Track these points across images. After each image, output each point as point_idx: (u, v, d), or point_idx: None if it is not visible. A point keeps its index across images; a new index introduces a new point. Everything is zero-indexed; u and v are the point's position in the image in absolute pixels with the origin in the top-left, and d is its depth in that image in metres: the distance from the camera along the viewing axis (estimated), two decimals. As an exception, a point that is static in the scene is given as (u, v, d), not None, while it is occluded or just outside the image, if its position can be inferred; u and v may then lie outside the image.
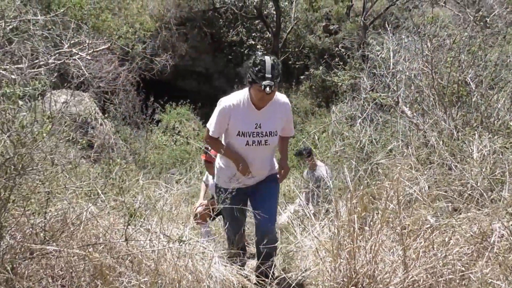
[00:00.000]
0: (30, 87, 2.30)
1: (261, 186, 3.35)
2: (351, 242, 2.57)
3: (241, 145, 3.13)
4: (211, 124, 3.15)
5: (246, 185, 3.29)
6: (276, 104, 3.13)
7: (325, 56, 12.68)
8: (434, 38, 4.04)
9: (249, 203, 3.49)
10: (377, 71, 4.78)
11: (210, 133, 3.16)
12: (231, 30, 15.18)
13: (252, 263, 3.87)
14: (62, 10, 6.63)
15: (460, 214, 2.74)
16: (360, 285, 2.52)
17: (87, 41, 6.47)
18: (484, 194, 2.74)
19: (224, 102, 3.11)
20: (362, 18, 13.25)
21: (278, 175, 3.34)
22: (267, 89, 2.83)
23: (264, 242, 3.09)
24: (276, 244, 3.27)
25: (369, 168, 3.29)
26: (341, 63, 6.66)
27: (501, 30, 4.29)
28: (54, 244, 2.25)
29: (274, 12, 14.21)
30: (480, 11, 4.03)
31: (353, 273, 2.56)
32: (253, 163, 3.17)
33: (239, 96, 3.11)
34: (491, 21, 4.41)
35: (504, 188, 2.77)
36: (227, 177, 3.27)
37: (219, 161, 3.40)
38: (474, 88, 3.69)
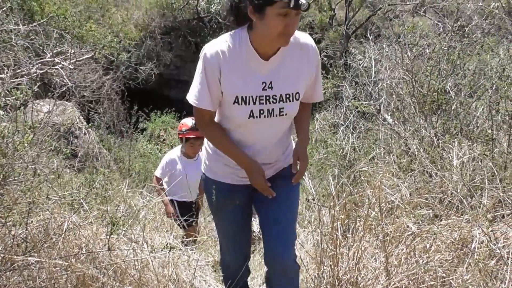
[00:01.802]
0: (12, 97, 2.29)
1: (274, 185, 2.14)
2: (334, 249, 2.59)
3: (241, 118, 1.98)
4: (195, 91, 1.94)
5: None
6: (294, 49, 1.96)
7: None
8: (414, 47, 4.12)
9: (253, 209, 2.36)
10: (359, 79, 4.84)
11: (199, 106, 1.95)
12: (215, 39, 15.21)
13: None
14: (44, 20, 6.59)
15: (441, 221, 2.78)
16: (343, 292, 2.54)
17: (70, 51, 6.43)
18: (464, 201, 2.79)
19: (209, 49, 1.91)
20: (345, 27, 13.42)
21: (292, 170, 2.14)
22: (303, 1, 1.71)
23: (281, 280, 2.17)
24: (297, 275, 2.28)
25: (352, 176, 3.32)
26: (323, 71, 6.73)
27: (479, 40, 4.40)
28: (36, 255, 2.22)
29: (259, 22, 14.28)
30: (458, 21, 4.14)
31: (336, 280, 2.58)
32: (261, 147, 2.08)
33: (231, 40, 1.92)
34: (469, 30, 4.53)
35: (483, 194, 2.82)
36: (223, 164, 2.17)
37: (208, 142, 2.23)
38: (453, 96, 3.77)
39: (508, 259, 2.22)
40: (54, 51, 6.31)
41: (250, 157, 2.06)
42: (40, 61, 5.91)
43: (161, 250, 2.49)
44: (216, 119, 2.11)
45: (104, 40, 9.11)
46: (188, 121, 4.06)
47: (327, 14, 15.27)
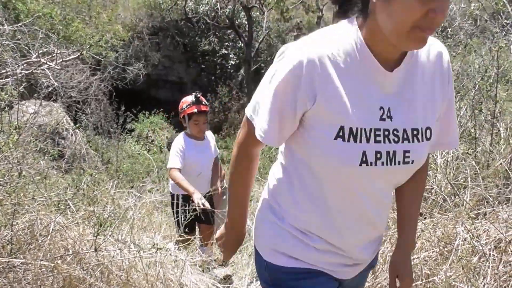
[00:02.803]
0: (-4, 98, 2.27)
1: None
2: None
3: (344, 165, 1.18)
4: (264, 119, 1.23)
5: (339, 274, 1.34)
6: (425, 59, 1.23)
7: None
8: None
9: None
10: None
11: (264, 141, 1.25)
12: (203, 40, 15.22)
13: (225, 270, 3.88)
14: (30, 20, 6.53)
15: (425, 219, 2.83)
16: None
17: (56, 51, 6.39)
18: (448, 199, 2.84)
19: (299, 55, 1.14)
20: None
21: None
22: None
23: None
24: None
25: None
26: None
27: (462, 41, 4.47)
28: (21, 257, 2.21)
29: (246, 22, 14.33)
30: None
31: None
32: (355, 224, 1.28)
33: (336, 39, 1.17)
34: (453, 31, 4.59)
35: (466, 192, 2.87)
36: (300, 232, 1.32)
37: (273, 190, 1.40)
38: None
39: (490, 256, 2.27)
40: (40, 52, 6.26)
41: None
42: (25, 61, 5.86)
43: (149, 250, 2.50)
44: (283, 160, 1.36)
45: (91, 40, 9.05)
46: (188, 98, 3.70)
47: (315, 15, 15.37)
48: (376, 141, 1.17)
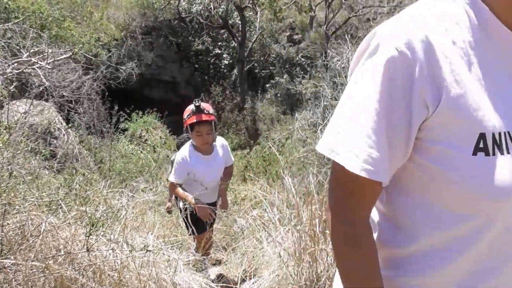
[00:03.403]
0: (-14, 98, 2.26)
1: None
2: (313, 246, 2.63)
3: (494, 191, 0.74)
4: (355, 135, 0.77)
5: None
6: None
7: (287, 66, 12.91)
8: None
9: None
10: (337, 79, 4.90)
11: (364, 169, 0.76)
12: (197, 39, 15.19)
13: (218, 270, 3.88)
14: (22, 19, 6.48)
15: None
16: (322, 288, 2.58)
17: (48, 50, 6.35)
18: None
19: (405, 34, 0.74)
20: (324, 28, 13.56)
21: None
22: None
23: None
24: None
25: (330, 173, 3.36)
26: (302, 72, 6.80)
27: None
28: (12, 257, 2.20)
29: (240, 22, 14.32)
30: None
31: (315, 276, 2.62)
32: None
33: (448, 10, 0.78)
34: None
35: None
36: None
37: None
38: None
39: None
40: (31, 51, 6.22)
41: None
42: (16, 60, 5.82)
43: (141, 250, 2.50)
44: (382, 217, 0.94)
45: (83, 39, 9.00)
46: (190, 106, 3.39)
47: (307, 15, 15.40)
48: None
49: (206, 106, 3.42)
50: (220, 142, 3.64)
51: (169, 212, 4.40)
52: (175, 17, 14.79)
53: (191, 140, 3.51)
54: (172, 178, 3.51)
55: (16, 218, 2.42)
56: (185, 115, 3.40)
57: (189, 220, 3.48)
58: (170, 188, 3.64)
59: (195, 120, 3.29)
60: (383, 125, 0.76)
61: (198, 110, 3.32)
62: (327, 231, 2.71)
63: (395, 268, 0.89)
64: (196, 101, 3.34)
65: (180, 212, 3.81)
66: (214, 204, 3.64)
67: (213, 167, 3.52)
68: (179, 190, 3.48)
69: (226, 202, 3.69)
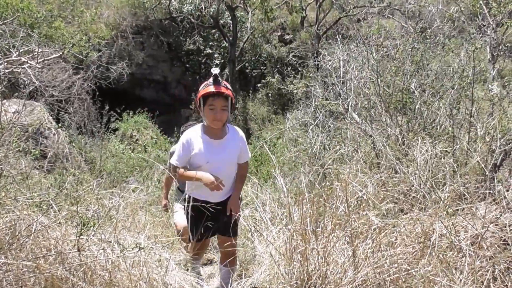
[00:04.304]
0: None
1: None
2: (304, 245, 2.65)
3: None
4: None
5: None
6: None
7: (278, 66, 12.94)
8: (379, 48, 4.24)
9: None
10: (328, 79, 4.94)
11: None
12: (188, 39, 15.17)
13: (210, 269, 3.89)
14: (12, 18, 6.43)
15: (405, 215, 2.88)
16: (313, 287, 2.60)
17: (38, 50, 6.31)
18: (427, 195, 2.91)
19: None
20: (315, 28, 13.61)
21: None
22: None
23: None
24: None
25: (321, 173, 3.39)
26: (293, 72, 6.83)
27: (441, 41, 4.56)
28: (3, 257, 2.19)
29: (231, 22, 14.33)
30: (419, 23, 4.28)
31: (306, 275, 2.63)
32: None
33: None
34: (432, 32, 4.68)
35: (445, 189, 2.94)
36: None
37: None
38: (417, 96, 3.90)
39: (467, 251, 2.33)
40: (21, 50, 6.17)
41: None
42: (6, 60, 5.78)
43: (132, 250, 2.50)
44: None
45: (73, 39, 8.96)
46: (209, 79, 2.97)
47: (298, 15, 15.45)
48: None
49: (225, 82, 3.02)
50: (236, 131, 3.18)
51: (167, 210, 4.18)
52: (166, 17, 14.76)
53: (202, 123, 3.08)
54: (173, 161, 3.01)
55: (7, 218, 2.41)
56: (200, 87, 3.00)
57: (190, 219, 3.09)
58: (170, 178, 3.18)
59: (212, 90, 2.85)
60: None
61: (217, 81, 2.91)
62: (318, 230, 2.73)
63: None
64: (215, 69, 2.93)
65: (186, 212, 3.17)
66: (222, 204, 3.11)
67: (222, 156, 3.00)
68: (186, 171, 3.00)
69: (236, 204, 3.12)
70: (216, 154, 2.99)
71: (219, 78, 2.92)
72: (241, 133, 3.22)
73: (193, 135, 3.03)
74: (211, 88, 2.88)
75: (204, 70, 15.45)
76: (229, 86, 3.01)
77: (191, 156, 3.00)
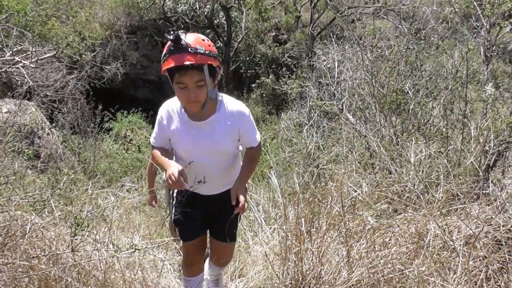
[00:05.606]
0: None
1: None
2: (299, 245, 2.65)
3: None
4: None
5: None
6: None
7: (273, 66, 12.94)
8: (374, 48, 4.25)
9: None
10: (323, 80, 4.95)
11: None
12: (182, 39, 15.14)
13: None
14: (3, 17, 6.39)
15: (399, 215, 2.90)
16: (307, 287, 2.61)
17: (31, 49, 6.27)
18: (421, 196, 2.92)
19: None
20: (310, 29, 13.64)
21: None
22: None
23: None
24: None
25: (316, 173, 3.40)
26: (288, 72, 6.84)
27: (435, 42, 4.59)
28: (-3, 257, 2.18)
29: (225, 22, 14.32)
30: (413, 24, 4.30)
31: (300, 275, 2.64)
32: None
33: None
34: (426, 33, 4.71)
35: (438, 190, 2.96)
36: None
37: None
38: (411, 96, 3.92)
39: (460, 251, 2.35)
40: (14, 49, 6.13)
41: None
42: (-1, 59, 5.74)
43: (126, 250, 2.49)
44: None
45: (67, 39, 8.91)
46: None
47: (293, 16, 15.48)
48: None
49: (195, 40, 2.06)
50: (231, 107, 2.31)
51: (153, 205, 3.15)
52: (160, 17, 14.72)
53: None
54: (151, 138, 2.43)
55: (1, 218, 2.40)
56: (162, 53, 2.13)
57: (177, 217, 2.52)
58: (152, 155, 2.40)
59: (172, 65, 2.01)
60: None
61: (178, 48, 2.01)
62: (313, 231, 2.74)
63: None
64: (173, 32, 2.01)
65: (170, 205, 2.65)
66: (218, 199, 2.49)
67: (205, 143, 2.27)
68: (157, 155, 2.31)
69: (241, 194, 2.25)
70: (197, 140, 2.26)
71: (183, 41, 2.01)
72: (240, 108, 2.33)
73: (170, 108, 2.32)
74: (172, 63, 2.01)
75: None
76: (201, 46, 2.04)
77: (170, 138, 2.35)
